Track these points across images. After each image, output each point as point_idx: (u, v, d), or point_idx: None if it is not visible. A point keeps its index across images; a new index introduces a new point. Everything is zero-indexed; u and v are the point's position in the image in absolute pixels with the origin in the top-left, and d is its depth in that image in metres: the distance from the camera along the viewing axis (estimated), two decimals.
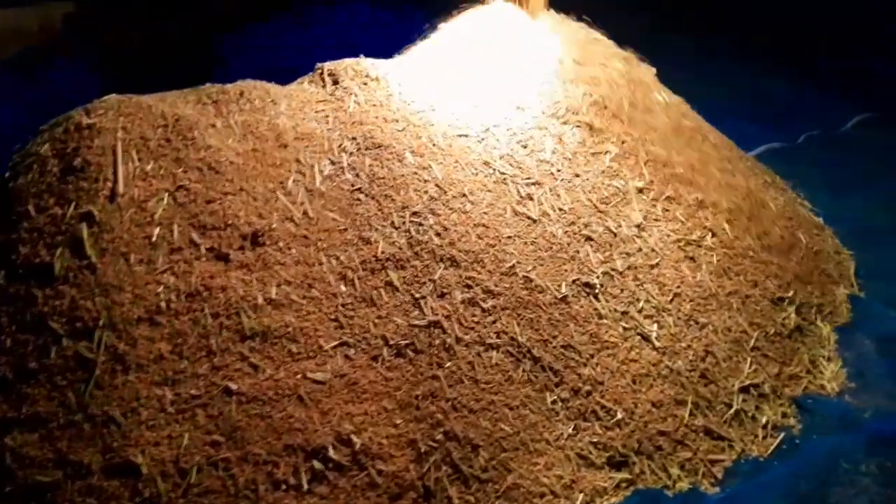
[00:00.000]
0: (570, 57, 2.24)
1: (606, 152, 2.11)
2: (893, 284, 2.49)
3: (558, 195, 2.03)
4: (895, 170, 3.24)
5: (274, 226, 1.77)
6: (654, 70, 2.45)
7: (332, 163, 1.92)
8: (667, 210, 2.11)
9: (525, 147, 2.07)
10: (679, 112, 2.46)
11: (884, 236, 2.78)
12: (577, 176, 2.07)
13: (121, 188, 1.75)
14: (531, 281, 1.89)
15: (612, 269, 1.97)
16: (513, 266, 1.89)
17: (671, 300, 1.99)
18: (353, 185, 1.90)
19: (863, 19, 3.88)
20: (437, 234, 1.87)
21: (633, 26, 2.49)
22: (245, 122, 1.90)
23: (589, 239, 1.98)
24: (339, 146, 1.94)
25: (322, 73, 2.08)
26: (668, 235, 2.07)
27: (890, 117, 3.58)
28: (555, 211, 2.00)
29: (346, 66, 2.06)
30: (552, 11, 2.43)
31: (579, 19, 2.47)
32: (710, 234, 2.14)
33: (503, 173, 2.02)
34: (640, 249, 2.02)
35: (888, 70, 3.78)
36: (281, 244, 1.75)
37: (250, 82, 2.05)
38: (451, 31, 2.28)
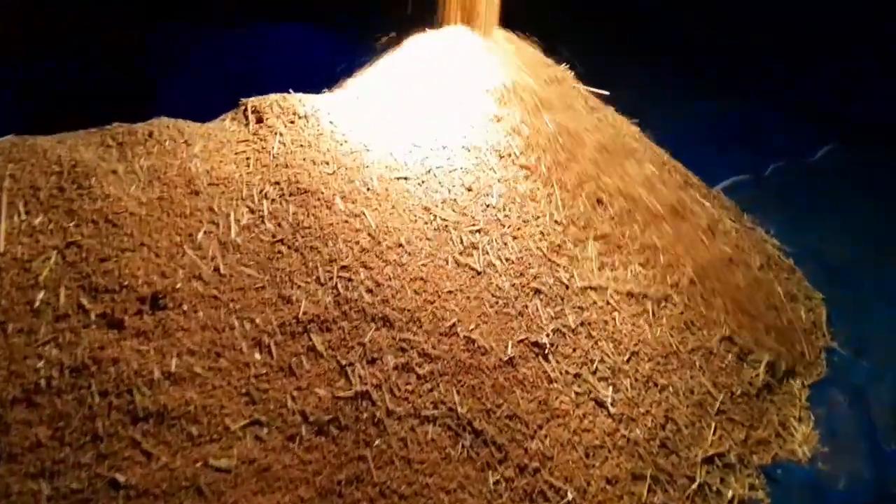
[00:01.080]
0: (523, 91, 2.08)
1: (558, 196, 1.95)
2: (864, 327, 2.37)
3: (505, 244, 1.85)
4: (864, 201, 3.16)
5: (178, 285, 1.56)
6: (609, 107, 2.31)
7: (251, 211, 1.73)
8: (624, 260, 1.96)
9: (470, 190, 1.90)
10: (637, 146, 2.32)
11: (854, 272, 2.66)
12: (526, 223, 1.89)
13: (1, 246, 1.54)
14: (473, 342, 1.70)
15: (564, 326, 1.79)
16: (453, 325, 1.70)
17: (628, 360, 1.81)
18: (273, 236, 1.70)
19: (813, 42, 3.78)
20: (369, 291, 1.68)
21: (587, 47, 2.36)
22: (152, 166, 1.70)
23: (538, 292, 1.81)
24: (260, 192, 1.75)
25: (245, 110, 1.89)
26: (626, 287, 1.91)
27: (854, 145, 3.50)
28: (501, 261, 1.83)
29: (272, 103, 1.87)
30: (511, 34, 2.29)
31: (537, 38, 2.34)
32: (670, 284, 1.99)
33: (445, 220, 1.84)
34: (594, 303, 1.85)
35: (851, 91, 3.69)
36: (185, 307, 1.55)
37: (164, 120, 1.85)
38: (393, 61, 2.10)
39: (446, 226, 1.83)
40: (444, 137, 1.94)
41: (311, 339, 1.61)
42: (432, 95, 1.99)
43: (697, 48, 3.61)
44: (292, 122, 1.84)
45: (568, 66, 2.33)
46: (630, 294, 1.88)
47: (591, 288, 1.86)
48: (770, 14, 3.61)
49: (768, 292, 2.20)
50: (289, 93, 1.93)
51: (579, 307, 1.82)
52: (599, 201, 2.02)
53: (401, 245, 1.76)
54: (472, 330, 1.71)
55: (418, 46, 2.07)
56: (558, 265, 1.85)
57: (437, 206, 1.85)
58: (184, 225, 1.65)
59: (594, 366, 1.76)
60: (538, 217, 1.90)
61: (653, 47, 3.56)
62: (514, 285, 1.80)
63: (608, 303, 1.85)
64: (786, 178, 3.32)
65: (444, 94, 1.99)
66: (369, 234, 1.74)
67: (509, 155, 1.92)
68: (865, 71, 3.61)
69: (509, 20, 2.29)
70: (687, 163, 2.62)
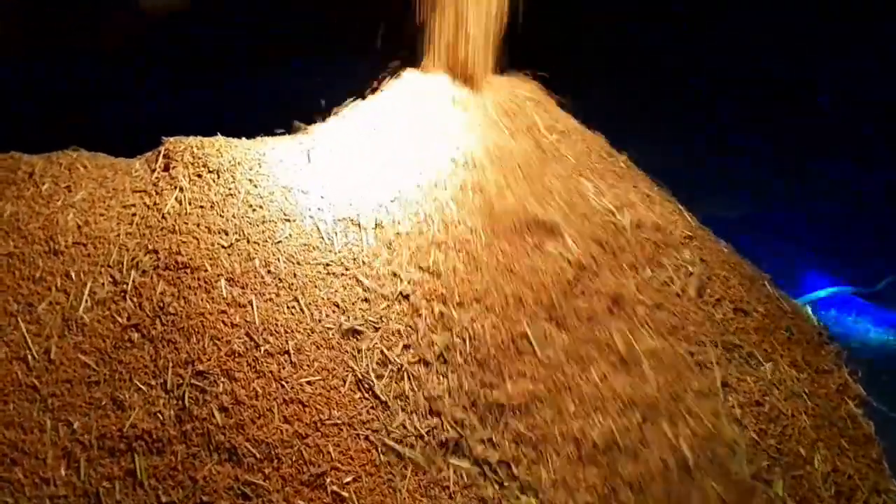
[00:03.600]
0: (496, 171, 1.60)
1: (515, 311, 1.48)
2: None
3: (431, 367, 1.42)
4: None
5: None
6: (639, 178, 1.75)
7: (114, 282, 1.42)
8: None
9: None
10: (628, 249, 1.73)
11: None
12: (467, 340, 1.45)
13: None
14: (344, 502, 1.29)
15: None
16: (323, 474, 1.30)
17: None
18: (129, 319, 1.38)
19: None
20: (223, 410, 1.31)
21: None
22: (15, 214, 1.43)
23: (457, 451, 1.35)
24: (132, 260, 1.43)
25: (159, 153, 1.61)
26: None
27: None
28: (416, 392, 1.40)
29: (186, 148, 1.55)
30: (506, 78, 1.83)
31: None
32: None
33: (360, 324, 1.44)
34: None
35: None
36: None
37: (65, 155, 1.59)
38: (360, 112, 1.73)
39: (361, 331, 1.43)
40: (386, 214, 1.55)
41: (132, 461, 1.27)
42: (392, 159, 1.59)
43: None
44: (199, 177, 1.51)
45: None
46: None
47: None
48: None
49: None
50: (216, 136, 1.62)
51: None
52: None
53: (286, 352, 1.37)
54: (346, 485, 1.29)
55: (393, 97, 1.67)
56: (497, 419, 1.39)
57: (354, 304, 1.46)
58: (27, 291, 1.38)
59: None
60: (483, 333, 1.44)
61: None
62: (430, 432, 1.36)
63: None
64: None
65: (405, 160, 1.59)
66: (248, 334, 1.37)
67: (455, 242, 1.47)
68: None
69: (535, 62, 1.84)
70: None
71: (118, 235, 1.44)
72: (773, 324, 1.81)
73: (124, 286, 1.39)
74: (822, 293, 2.32)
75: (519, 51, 1.81)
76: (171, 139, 1.58)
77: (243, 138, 1.68)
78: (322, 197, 1.56)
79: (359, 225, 1.53)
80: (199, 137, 1.60)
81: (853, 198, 2.65)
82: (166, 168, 1.54)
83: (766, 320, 1.79)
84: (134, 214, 1.47)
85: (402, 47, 1.78)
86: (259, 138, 1.71)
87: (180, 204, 1.48)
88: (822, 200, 2.67)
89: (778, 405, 1.63)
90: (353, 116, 1.69)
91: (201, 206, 1.48)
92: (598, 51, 2.47)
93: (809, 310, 2.03)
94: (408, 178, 1.60)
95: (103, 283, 1.39)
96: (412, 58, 1.77)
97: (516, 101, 1.69)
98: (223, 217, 1.48)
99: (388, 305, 1.43)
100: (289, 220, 1.51)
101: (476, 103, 1.66)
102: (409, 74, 1.71)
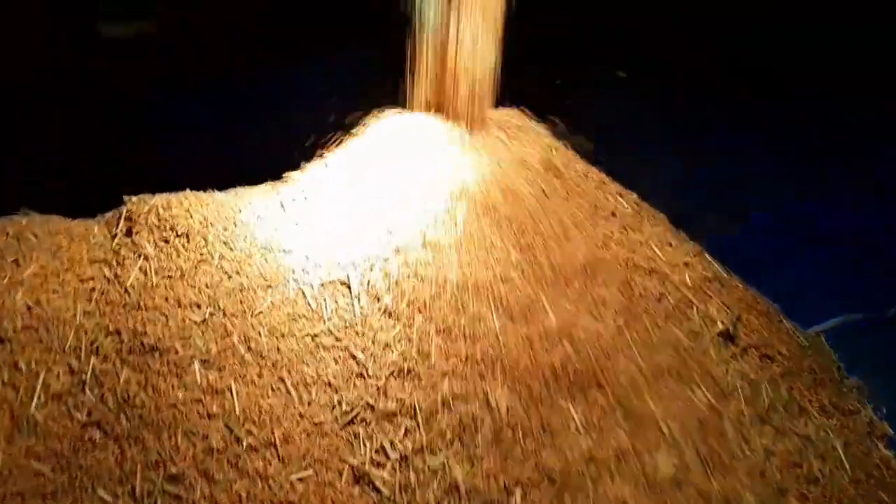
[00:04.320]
0: (498, 221, 1.42)
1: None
2: None
3: (440, 454, 1.27)
4: None
5: None
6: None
7: (71, 372, 1.24)
8: None
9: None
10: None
11: None
12: (480, 421, 1.30)
13: None
14: None
15: None
16: None
17: None
18: (89, 415, 1.19)
19: None
20: None
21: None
22: None
23: None
24: (92, 344, 1.25)
25: (120, 215, 1.44)
26: None
27: None
28: (425, 485, 1.24)
29: (151, 209, 1.36)
30: (502, 112, 1.69)
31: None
32: None
33: (357, 406, 1.28)
34: None
35: None
36: None
37: (19, 221, 1.42)
38: (344, 157, 1.56)
39: (354, 415, 1.27)
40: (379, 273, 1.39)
41: None
42: (372, 214, 1.40)
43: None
44: (166, 242, 1.34)
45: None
46: None
47: None
48: None
49: None
50: (185, 192, 1.44)
51: None
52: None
53: (272, 445, 1.20)
54: None
55: (373, 139, 1.50)
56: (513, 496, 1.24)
57: (348, 381, 1.29)
58: None
59: None
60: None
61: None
62: None
63: None
64: None
65: (387, 212, 1.41)
66: (227, 425, 1.19)
67: (446, 323, 1.30)
68: None
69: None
70: None
71: (75, 315, 1.26)
72: (797, 365, 1.69)
73: (83, 376, 1.21)
74: (833, 322, 2.20)
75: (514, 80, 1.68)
76: (134, 199, 1.40)
77: (215, 191, 1.52)
78: (306, 257, 1.38)
79: (349, 287, 1.37)
80: (166, 195, 1.43)
81: (862, 220, 2.56)
82: (128, 233, 1.36)
83: (790, 363, 1.67)
84: (93, 289, 1.29)
85: (388, 80, 1.64)
86: (234, 190, 1.53)
87: (145, 275, 1.30)
88: (827, 221, 2.57)
89: (815, 463, 1.50)
90: (336, 162, 1.53)
91: (169, 276, 1.30)
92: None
93: (824, 340, 1.93)
94: (401, 231, 1.43)
95: (58, 374, 1.20)
96: (398, 93, 1.63)
97: (513, 139, 1.54)
98: (195, 288, 1.30)
99: (386, 381, 1.28)
100: (270, 287, 1.34)
101: (470, 144, 1.51)
102: (395, 114, 1.56)
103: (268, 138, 2.01)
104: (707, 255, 1.74)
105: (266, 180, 1.58)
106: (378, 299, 1.34)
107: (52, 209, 1.51)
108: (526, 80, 1.68)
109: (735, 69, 2.64)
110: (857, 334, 2.13)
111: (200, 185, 1.51)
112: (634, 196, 1.67)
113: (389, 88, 1.56)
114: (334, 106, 1.60)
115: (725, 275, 1.75)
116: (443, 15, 1.49)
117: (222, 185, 1.55)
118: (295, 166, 1.58)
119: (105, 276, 1.30)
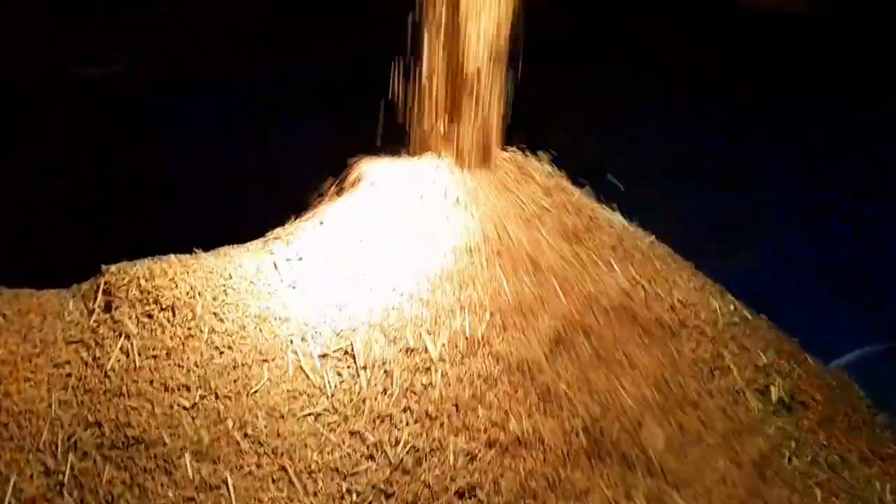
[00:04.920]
0: (511, 276, 1.31)
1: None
2: None
3: None
4: None
5: None
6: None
7: (47, 472, 1.10)
8: None
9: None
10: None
11: None
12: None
13: None
14: None
15: None
16: None
17: None
18: None
19: None
20: None
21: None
22: None
23: None
24: (68, 439, 1.14)
25: (97, 287, 1.32)
26: None
27: None
28: None
29: (132, 280, 1.24)
30: (507, 156, 1.57)
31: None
32: None
33: (369, 494, 1.16)
34: None
35: None
36: None
37: None
38: (342, 210, 1.44)
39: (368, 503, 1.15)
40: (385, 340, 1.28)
41: None
42: (375, 273, 1.28)
43: None
44: (149, 317, 1.21)
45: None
46: None
47: None
48: None
49: None
50: (168, 257, 1.32)
51: None
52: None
53: None
54: None
55: (372, 191, 1.40)
56: None
57: (357, 465, 1.17)
58: None
59: None
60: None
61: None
62: None
63: None
64: None
65: (390, 271, 1.30)
66: None
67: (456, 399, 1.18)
68: None
69: None
70: None
71: (49, 406, 1.13)
72: (832, 410, 1.60)
73: (60, 476, 1.08)
74: (854, 355, 2.11)
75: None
76: (112, 268, 1.28)
77: (202, 253, 1.41)
78: (305, 324, 1.27)
79: (353, 357, 1.26)
80: (147, 263, 1.30)
81: (876, 244, 2.47)
82: (107, 308, 1.23)
83: (824, 409, 1.58)
84: (69, 375, 1.16)
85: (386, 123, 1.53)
86: (222, 251, 1.42)
87: (127, 356, 1.18)
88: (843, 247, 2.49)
89: None
90: (333, 217, 1.42)
91: (154, 356, 1.18)
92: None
93: (847, 376, 1.84)
94: (407, 290, 1.32)
95: (32, 475, 1.07)
96: (397, 137, 1.52)
97: (522, 186, 1.44)
98: (183, 367, 1.18)
99: (400, 462, 1.17)
100: (266, 361, 1.21)
101: (476, 192, 1.41)
102: (392, 161, 1.46)
103: (267, 140, 1.91)
104: (729, 295, 1.66)
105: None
106: (384, 368, 1.23)
107: (23, 274, 1.40)
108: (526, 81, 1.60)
109: (735, 69, 2.61)
110: (877, 364, 2.06)
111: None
112: (651, 238, 1.58)
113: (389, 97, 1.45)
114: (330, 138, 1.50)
115: (749, 316, 1.66)
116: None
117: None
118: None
119: (82, 360, 1.17)
